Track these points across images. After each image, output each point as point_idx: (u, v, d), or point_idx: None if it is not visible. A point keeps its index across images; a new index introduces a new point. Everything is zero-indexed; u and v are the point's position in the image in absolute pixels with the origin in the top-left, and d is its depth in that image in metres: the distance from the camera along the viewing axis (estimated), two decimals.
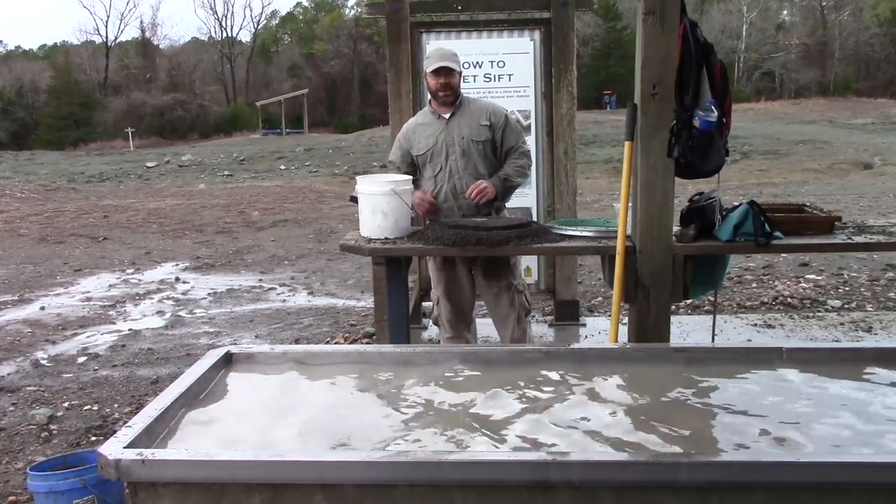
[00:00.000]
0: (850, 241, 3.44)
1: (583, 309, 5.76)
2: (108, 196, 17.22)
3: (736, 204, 3.46)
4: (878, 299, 6.03)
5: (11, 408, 4.33)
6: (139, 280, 7.90)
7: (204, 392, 2.18)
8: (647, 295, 3.32)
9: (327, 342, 5.39)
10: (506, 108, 3.94)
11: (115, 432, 1.96)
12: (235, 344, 5.19)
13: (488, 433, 1.90)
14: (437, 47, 4.04)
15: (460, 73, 3.74)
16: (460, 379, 2.25)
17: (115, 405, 4.33)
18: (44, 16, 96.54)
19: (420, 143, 3.76)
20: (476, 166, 3.72)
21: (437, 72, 3.63)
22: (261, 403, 2.12)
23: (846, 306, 5.86)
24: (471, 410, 2.03)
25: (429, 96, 3.87)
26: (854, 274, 6.80)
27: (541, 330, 5.30)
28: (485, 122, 3.70)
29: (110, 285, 7.65)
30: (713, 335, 4.24)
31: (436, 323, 3.99)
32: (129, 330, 5.93)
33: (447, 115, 3.72)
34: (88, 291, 7.37)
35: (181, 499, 1.71)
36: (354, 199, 3.68)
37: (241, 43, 58.91)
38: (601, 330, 5.26)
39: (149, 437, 1.84)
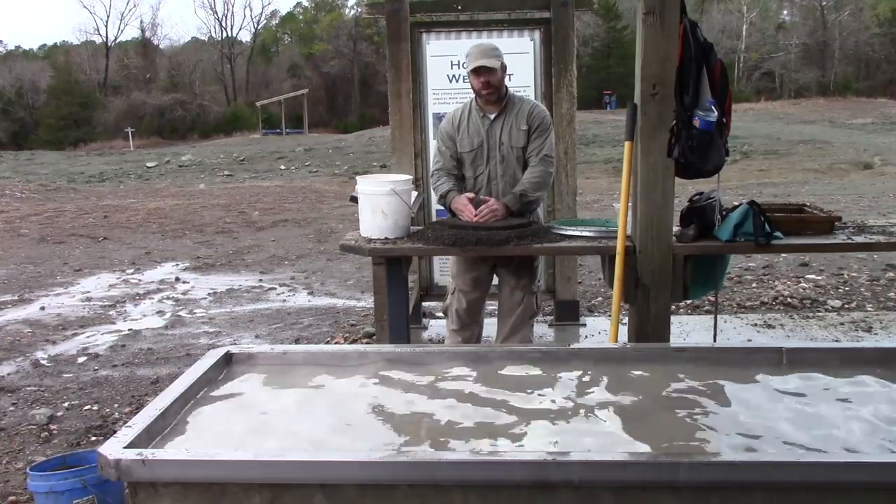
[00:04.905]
0: (850, 241, 3.44)
1: (583, 309, 5.76)
2: (108, 196, 17.21)
3: (736, 204, 3.46)
4: (878, 299, 6.03)
5: (11, 408, 4.33)
6: (139, 280, 7.90)
7: (204, 392, 2.18)
8: (647, 295, 3.32)
9: (327, 342, 5.39)
10: (547, 111, 3.79)
11: (115, 432, 1.96)
12: (235, 344, 5.20)
13: (488, 433, 1.90)
14: (476, 43, 3.70)
15: (504, 66, 3.59)
16: (460, 378, 2.25)
17: (115, 405, 4.33)
18: (44, 16, 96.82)
19: (464, 142, 3.69)
20: (515, 173, 3.67)
21: (477, 71, 3.52)
22: (261, 403, 2.12)
23: (846, 306, 5.86)
24: (470, 410, 2.03)
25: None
26: (854, 274, 6.80)
27: (541, 330, 5.30)
28: (524, 127, 3.63)
29: (110, 285, 7.65)
30: (714, 335, 4.24)
31: (444, 313, 3.98)
32: (129, 330, 5.93)
33: (492, 116, 3.65)
34: (88, 291, 7.36)
35: (181, 499, 1.71)
36: (354, 199, 3.68)
37: (241, 43, 58.96)
38: (601, 330, 5.26)
39: (149, 437, 1.84)
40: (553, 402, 2.08)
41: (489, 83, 3.55)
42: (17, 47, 62.20)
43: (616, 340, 3.38)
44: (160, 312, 6.49)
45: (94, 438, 3.86)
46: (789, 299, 6.03)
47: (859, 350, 2.50)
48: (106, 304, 6.83)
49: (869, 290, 6.30)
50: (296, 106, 45.02)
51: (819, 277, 6.72)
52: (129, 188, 19.73)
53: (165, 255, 9.33)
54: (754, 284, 6.60)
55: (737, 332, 5.20)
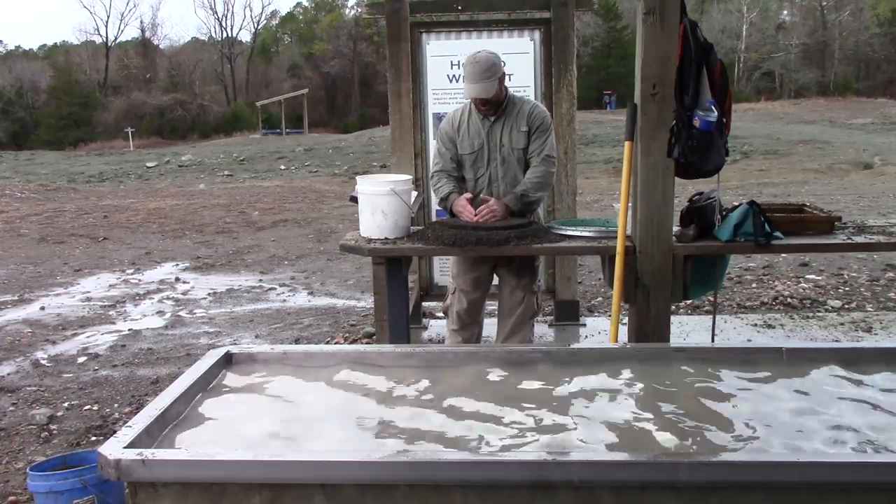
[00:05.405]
0: (850, 241, 3.44)
1: (583, 309, 5.76)
2: (108, 196, 17.20)
3: (736, 204, 3.46)
4: (878, 299, 6.03)
5: (11, 408, 4.33)
6: (139, 280, 7.90)
7: (204, 392, 2.19)
8: (647, 295, 3.32)
9: (327, 342, 5.39)
10: (546, 111, 3.77)
11: (115, 432, 1.96)
12: (235, 344, 5.20)
13: (487, 433, 1.90)
14: (472, 56, 3.51)
15: (502, 77, 3.56)
16: (460, 379, 2.25)
17: (115, 405, 4.33)
18: (44, 16, 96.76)
19: (464, 143, 3.69)
20: (515, 174, 3.67)
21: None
22: (261, 403, 2.12)
23: (846, 306, 5.86)
24: (471, 410, 2.03)
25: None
26: (854, 274, 6.80)
27: (541, 330, 5.30)
28: (524, 129, 3.63)
29: (110, 285, 7.65)
30: (713, 335, 4.24)
31: (445, 313, 3.99)
32: (129, 330, 5.93)
33: (492, 118, 3.65)
34: (88, 291, 7.36)
35: (181, 499, 1.71)
36: (354, 199, 3.68)
37: (241, 43, 58.97)
38: (601, 330, 5.26)
39: (149, 437, 1.84)
40: (553, 402, 2.08)
41: (487, 101, 3.56)
42: (17, 47, 62.32)
43: (616, 340, 3.38)
44: (160, 312, 6.48)
45: (94, 438, 3.86)
46: (789, 299, 6.02)
47: (859, 350, 2.50)
48: (106, 304, 6.83)
49: (869, 290, 6.30)
50: (296, 106, 45.02)
51: (819, 277, 6.72)
52: (129, 188, 19.73)
53: (165, 255, 9.33)
54: (754, 284, 6.60)
55: (737, 332, 5.20)
